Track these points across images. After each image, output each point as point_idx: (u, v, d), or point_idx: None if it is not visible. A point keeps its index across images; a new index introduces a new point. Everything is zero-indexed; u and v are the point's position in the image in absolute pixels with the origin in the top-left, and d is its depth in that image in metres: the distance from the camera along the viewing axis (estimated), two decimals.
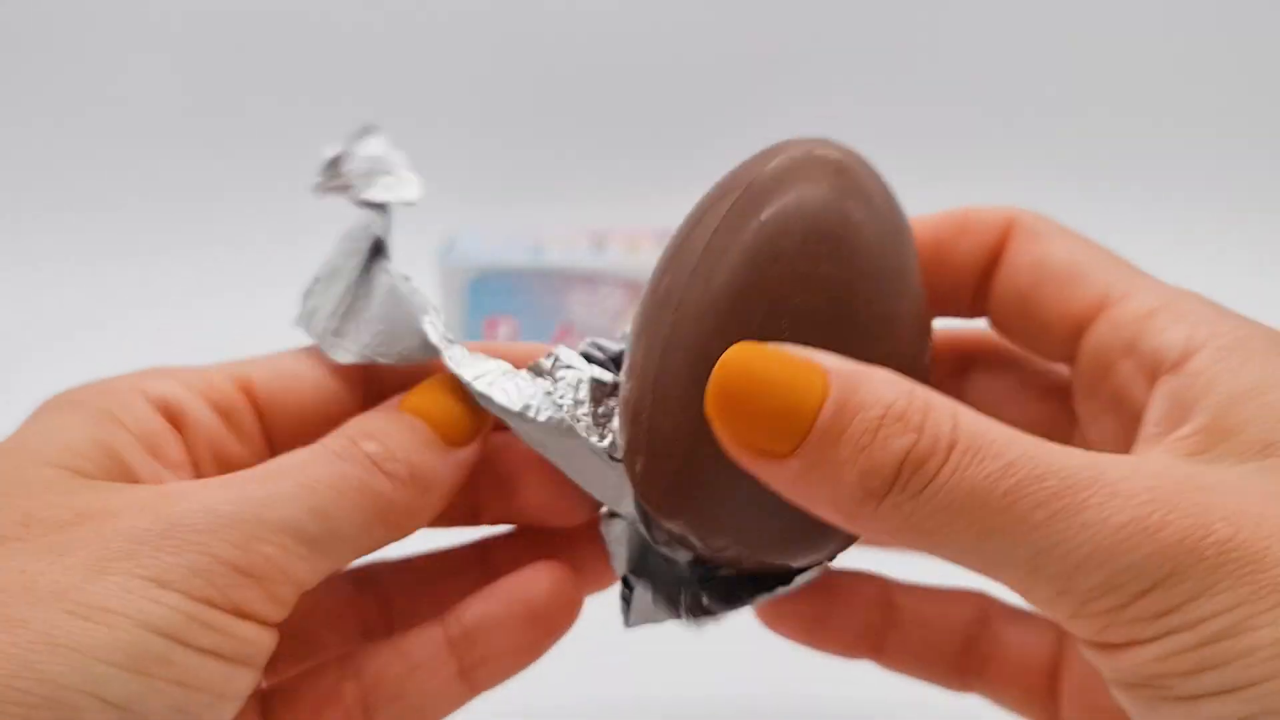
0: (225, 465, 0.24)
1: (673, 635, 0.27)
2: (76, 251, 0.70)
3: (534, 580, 0.25)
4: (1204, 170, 0.71)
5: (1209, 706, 0.17)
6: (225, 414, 0.24)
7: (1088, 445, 0.24)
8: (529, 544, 0.27)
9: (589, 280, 0.53)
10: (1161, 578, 0.17)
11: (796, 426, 0.18)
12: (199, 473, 0.24)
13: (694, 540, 0.23)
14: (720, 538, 0.23)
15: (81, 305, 0.66)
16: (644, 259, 0.54)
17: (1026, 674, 0.27)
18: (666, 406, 0.22)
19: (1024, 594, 0.19)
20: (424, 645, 0.25)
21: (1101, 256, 0.24)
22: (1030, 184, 0.70)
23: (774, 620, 0.27)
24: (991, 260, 0.25)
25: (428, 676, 0.25)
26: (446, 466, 0.23)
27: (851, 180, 0.22)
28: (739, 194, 0.22)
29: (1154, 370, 0.22)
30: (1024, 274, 0.25)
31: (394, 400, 0.24)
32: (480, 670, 0.25)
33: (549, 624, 0.25)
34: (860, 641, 0.27)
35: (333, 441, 0.22)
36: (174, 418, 0.23)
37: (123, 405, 0.23)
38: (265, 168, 0.70)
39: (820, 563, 0.24)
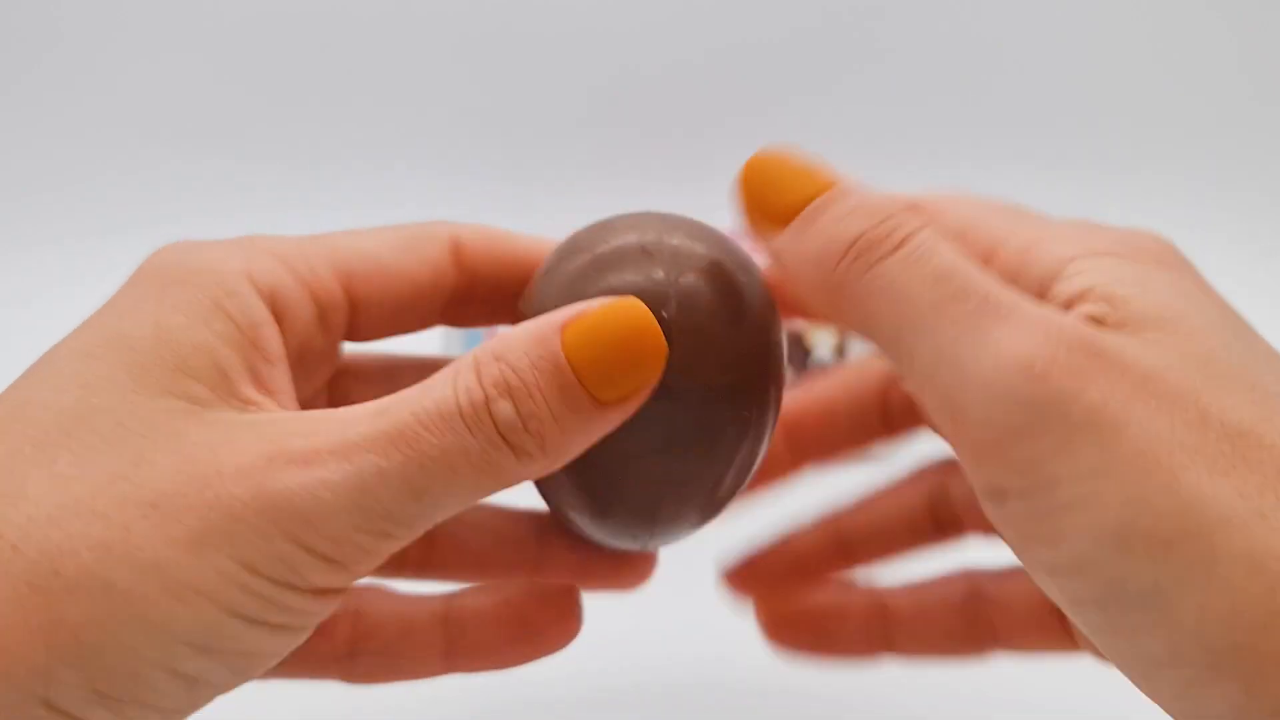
0: (305, 359, 0.24)
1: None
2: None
3: (532, 597, 0.27)
4: (1201, 168, 0.71)
5: (1038, 549, 0.19)
6: (322, 310, 0.24)
7: None
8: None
9: None
10: (1031, 420, 0.19)
11: (796, 205, 0.22)
12: (290, 365, 0.23)
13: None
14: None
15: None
16: None
17: (1037, 614, 0.28)
18: None
19: (921, 396, 0.21)
20: (422, 613, 0.27)
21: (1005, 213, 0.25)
22: (1027, 181, 0.70)
23: (780, 636, 0.30)
24: None
25: (417, 645, 0.26)
26: (587, 432, 0.21)
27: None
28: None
29: (1043, 287, 0.23)
30: None
31: (555, 318, 0.21)
32: (462, 657, 0.26)
33: (536, 644, 0.27)
34: (871, 645, 0.30)
35: (464, 397, 0.20)
36: (278, 311, 0.23)
37: (231, 294, 0.22)
38: (264, 169, 0.70)
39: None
